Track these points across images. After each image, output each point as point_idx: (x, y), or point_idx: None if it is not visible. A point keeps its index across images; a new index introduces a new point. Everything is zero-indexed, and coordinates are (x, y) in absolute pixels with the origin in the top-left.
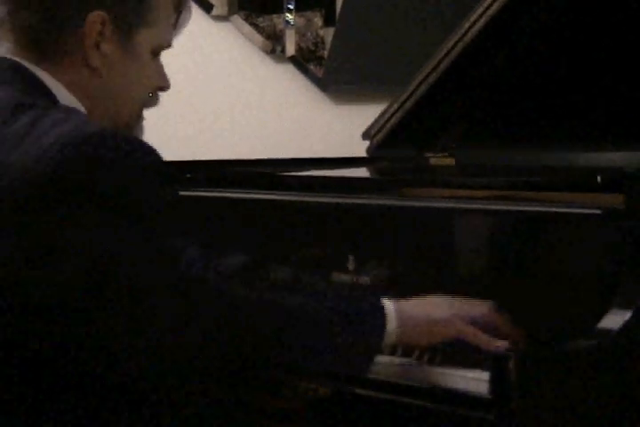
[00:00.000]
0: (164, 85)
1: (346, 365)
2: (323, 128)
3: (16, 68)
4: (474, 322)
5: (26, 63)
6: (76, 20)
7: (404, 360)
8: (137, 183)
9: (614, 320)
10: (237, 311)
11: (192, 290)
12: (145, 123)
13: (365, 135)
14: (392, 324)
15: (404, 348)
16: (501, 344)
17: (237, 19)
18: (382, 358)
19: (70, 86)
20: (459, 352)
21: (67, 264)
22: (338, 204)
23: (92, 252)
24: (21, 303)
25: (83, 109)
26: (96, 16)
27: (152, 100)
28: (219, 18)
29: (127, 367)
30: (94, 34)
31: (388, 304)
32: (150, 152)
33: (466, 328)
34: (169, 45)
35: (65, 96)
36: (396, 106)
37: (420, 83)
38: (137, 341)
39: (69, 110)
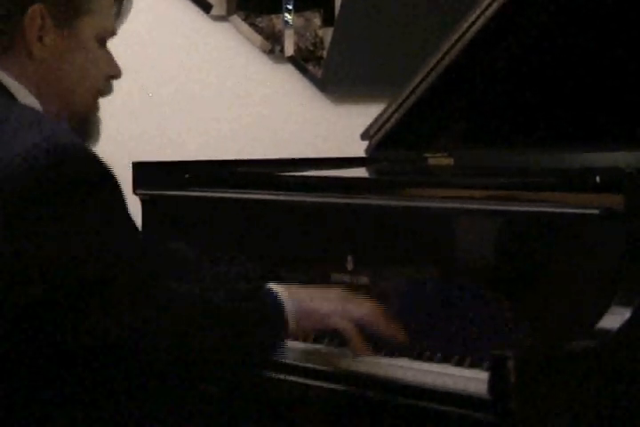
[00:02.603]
0: (114, 73)
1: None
2: (321, 128)
3: None
4: (356, 320)
5: None
6: (15, 15)
7: (403, 360)
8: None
9: (614, 320)
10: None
11: (155, 287)
12: (143, 123)
13: (364, 135)
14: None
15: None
16: (367, 351)
17: (236, 19)
18: (379, 359)
19: (19, 79)
20: (458, 352)
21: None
22: (336, 204)
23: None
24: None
25: (37, 103)
26: (34, 10)
27: (106, 89)
28: (217, 18)
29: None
30: (35, 27)
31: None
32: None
33: (345, 325)
34: (113, 33)
35: (18, 88)
36: (394, 106)
37: (419, 83)
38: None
39: (32, 113)
